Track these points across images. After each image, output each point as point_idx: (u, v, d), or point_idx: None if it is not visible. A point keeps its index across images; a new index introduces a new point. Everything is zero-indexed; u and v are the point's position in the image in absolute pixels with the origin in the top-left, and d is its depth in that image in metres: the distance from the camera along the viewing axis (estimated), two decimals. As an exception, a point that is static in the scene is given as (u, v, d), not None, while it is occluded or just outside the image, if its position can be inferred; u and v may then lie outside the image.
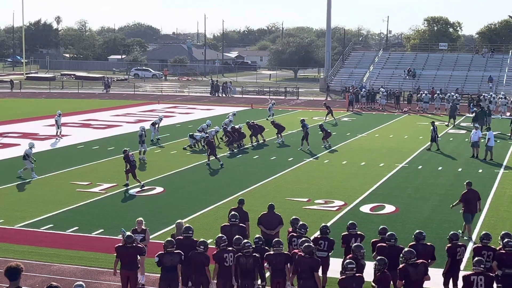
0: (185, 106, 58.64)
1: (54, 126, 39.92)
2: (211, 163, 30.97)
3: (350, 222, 15.49)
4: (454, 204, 20.82)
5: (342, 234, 15.27)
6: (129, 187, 25.78)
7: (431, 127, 36.13)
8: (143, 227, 15.77)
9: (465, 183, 20.42)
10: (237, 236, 14.49)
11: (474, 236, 19.75)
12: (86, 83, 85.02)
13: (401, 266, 13.04)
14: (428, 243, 14.53)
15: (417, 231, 14.73)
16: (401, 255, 13.16)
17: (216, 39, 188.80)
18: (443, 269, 14.67)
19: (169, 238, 14.30)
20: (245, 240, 14.11)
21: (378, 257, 13.11)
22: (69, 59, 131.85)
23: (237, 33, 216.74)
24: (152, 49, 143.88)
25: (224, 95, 71.68)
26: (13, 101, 61.73)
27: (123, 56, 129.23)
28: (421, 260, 13.16)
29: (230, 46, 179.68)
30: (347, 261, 12.70)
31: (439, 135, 37.38)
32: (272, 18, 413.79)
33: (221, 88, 73.07)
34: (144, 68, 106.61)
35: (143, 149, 31.86)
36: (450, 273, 14.50)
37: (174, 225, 16.47)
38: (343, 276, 12.48)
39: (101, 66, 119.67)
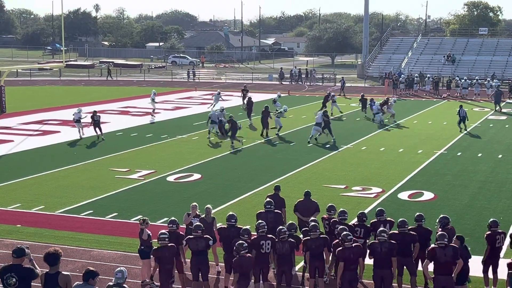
0: (222, 93, 58.60)
1: (150, 104, 44.52)
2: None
3: (378, 209, 15.55)
4: None
5: (371, 221, 15.24)
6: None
7: (459, 109, 37.17)
8: (197, 212, 15.88)
9: None
10: (290, 222, 14.67)
11: (514, 224, 19.48)
12: (124, 70, 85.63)
13: (430, 247, 13.20)
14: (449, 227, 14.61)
15: (442, 215, 14.90)
16: (436, 237, 13.24)
17: (253, 26, 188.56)
18: (482, 257, 14.54)
19: (198, 223, 14.39)
20: (280, 226, 14.15)
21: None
22: (107, 47, 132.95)
23: (274, 20, 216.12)
24: (189, 36, 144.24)
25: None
26: (53, 88, 62.53)
27: (161, 44, 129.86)
28: (452, 244, 13.15)
29: (267, 32, 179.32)
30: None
31: (475, 121, 36.91)
32: (309, 4, 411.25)
33: (284, 75, 72.29)
34: (181, 55, 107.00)
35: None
36: (490, 261, 14.37)
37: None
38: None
39: (139, 53, 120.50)
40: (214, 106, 43.95)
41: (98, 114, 34.62)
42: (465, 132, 36.83)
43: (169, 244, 13.67)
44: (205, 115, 36.79)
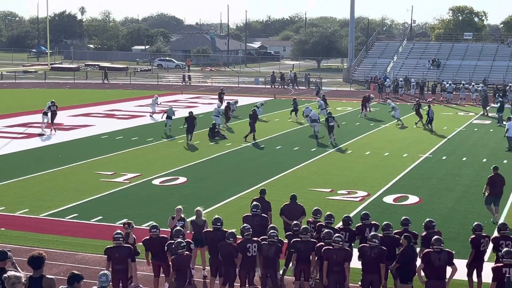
0: (208, 97, 58.67)
1: (149, 106, 46.10)
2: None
3: (364, 212, 15.59)
4: (484, 190, 20.68)
5: (356, 225, 15.26)
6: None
7: (428, 109, 39.46)
8: (182, 215, 15.83)
9: (492, 168, 20.89)
10: (270, 226, 14.62)
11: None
12: (110, 73, 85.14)
13: (425, 251, 13.22)
14: (436, 230, 14.71)
15: (427, 219, 15.04)
16: (432, 241, 13.27)
17: (239, 30, 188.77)
18: (467, 260, 14.60)
19: (178, 228, 14.34)
20: (271, 230, 14.10)
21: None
22: (93, 50, 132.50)
23: (260, 23, 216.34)
24: (175, 39, 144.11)
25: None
26: (38, 91, 62.19)
27: (147, 47, 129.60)
28: (447, 249, 13.21)
29: (253, 36, 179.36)
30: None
31: (460, 126, 37.22)
32: (295, 8, 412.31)
33: (276, 79, 72.25)
34: (167, 58, 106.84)
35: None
36: (474, 264, 14.42)
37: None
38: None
39: (125, 56, 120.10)
40: (233, 112, 44.35)
41: (55, 105, 37.99)
42: (430, 131, 39.00)
43: (124, 245, 13.66)
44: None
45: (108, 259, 13.62)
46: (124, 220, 16.17)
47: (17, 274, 9.22)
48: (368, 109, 46.11)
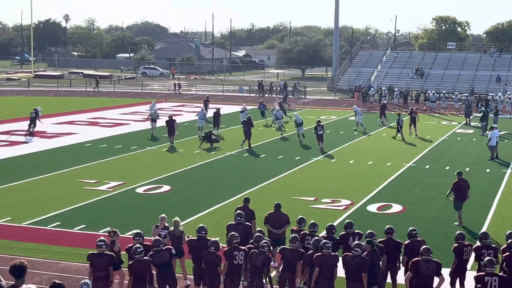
0: (192, 105, 58.60)
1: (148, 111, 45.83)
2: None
3: (347, 221, 15.58)
4: (447, 194, 21.65)
5: (340, 233, 15.26)
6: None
7: (398, 118, 39.78)
8: (166, 223, 15.76)
9: (456, 173, 21.72)
10: (258, 234, 14.55)
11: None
12: (94, 81, 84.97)
13: (414, 260, 13.29)
14: (420, 239, 14.87)
15: (410, 228, 15.17)
16: (420, 251, 13.37)
17: (224, 38, 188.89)
18: (449, 269, 14.66)
19: (156, 237, 14.28)
20: (264, 241, 14.07)
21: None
22: (77, 57, 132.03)
23: (244, 32, 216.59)
24: (160, 47, 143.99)
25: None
26: (21, 99, 61.87)
27: (131, 55, 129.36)
28: (435, 260, 13.31)
29: (237, 45, 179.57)
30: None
31: (443, 135, 37.41)
32: (280, 17, 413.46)
33: (264, 87, 72.14)
34: (151, 66, 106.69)
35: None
36: (457, 273, 14.48)
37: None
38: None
39: (109, 64, 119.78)
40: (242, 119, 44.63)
41: (36, 112, 39.74)
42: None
43: (106, 253, 13.61)
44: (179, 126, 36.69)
45: (90, 265, 13.57)
46: (108, 229, 16.11)
47: (30, 285, 9.14)
48: (385, 116, 46.91)
